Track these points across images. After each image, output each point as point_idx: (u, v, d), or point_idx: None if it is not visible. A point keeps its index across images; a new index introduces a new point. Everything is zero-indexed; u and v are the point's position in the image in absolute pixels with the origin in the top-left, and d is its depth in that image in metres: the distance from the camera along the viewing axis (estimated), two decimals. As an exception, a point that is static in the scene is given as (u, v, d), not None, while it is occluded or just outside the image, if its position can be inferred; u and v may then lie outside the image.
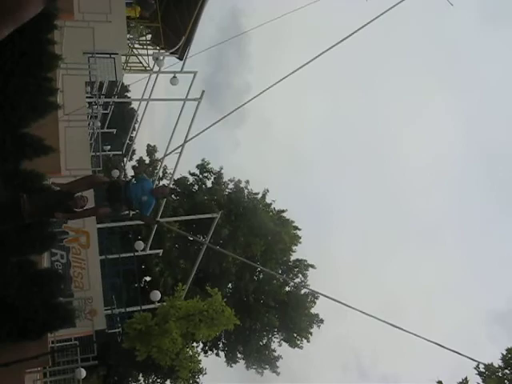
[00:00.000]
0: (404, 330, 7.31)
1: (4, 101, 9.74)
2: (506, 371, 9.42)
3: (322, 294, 8.87)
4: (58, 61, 11.07)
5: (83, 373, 15.97)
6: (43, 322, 10.23)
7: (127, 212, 8.49)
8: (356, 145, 58.39)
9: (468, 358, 7.53)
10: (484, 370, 9.78)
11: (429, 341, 7.12)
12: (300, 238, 29.87)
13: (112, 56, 16.04)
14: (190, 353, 10.52)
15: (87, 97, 15.57)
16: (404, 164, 56.62)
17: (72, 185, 7.93)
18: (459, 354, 7.32)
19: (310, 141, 60.00)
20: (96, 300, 14.50)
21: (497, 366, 9.67)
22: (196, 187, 30.89)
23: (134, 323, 9.57)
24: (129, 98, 29.53)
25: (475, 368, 9.74)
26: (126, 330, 9.62)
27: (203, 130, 8.05)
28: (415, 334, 7.19)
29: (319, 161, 56.98)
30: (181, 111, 17.82)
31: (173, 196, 29.12)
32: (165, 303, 9.79)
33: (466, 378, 9.10)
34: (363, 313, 7.71)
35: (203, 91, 16.65)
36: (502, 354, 9.62)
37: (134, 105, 35.54)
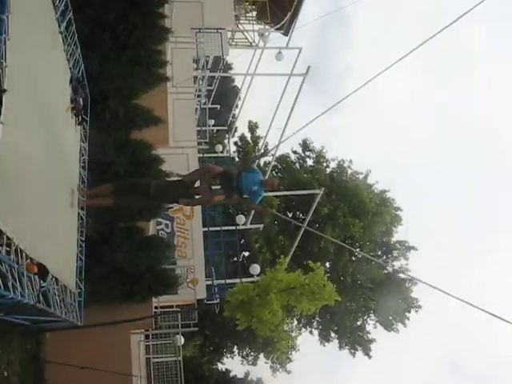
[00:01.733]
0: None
1: (117, 73, 10.10)
2: None
3: (420, 280, 8.52)
4: (167, 34, 11.28)
5: (182, 340, 16.67)
6: (148, 287, 10.64)
7: (238, 200, 8.86)
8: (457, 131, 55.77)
9: None
10: None
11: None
12: (401, 219, 29.05)
13: (219, 31, 16.19)
14: (289, 327, 10.48)
15: (194, 70, 15.85)
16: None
17: (190, 175, 8.61)
18: None
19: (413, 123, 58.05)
20: (198, 270, 14.94)
21: None
22: (298, 165, 30.80)
23: (237, 292, 9.69)
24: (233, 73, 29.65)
25: None
26: (228, 298, 9.75)
27: (315, 118, 7.91)
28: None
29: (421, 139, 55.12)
30: (285, 87, 17.74)
31: (274, 172, 29.21)
32: (266, 274, 9.84)
33: None
34: (467, 303, 7.22)
35: (309, 66, 16.43)
36: None
37: (237, 82, 36.08)
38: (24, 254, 4.86)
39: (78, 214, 8.28)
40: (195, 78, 15.92)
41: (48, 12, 6.88)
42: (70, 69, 8.29)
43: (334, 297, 9.74)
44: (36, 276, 5.25)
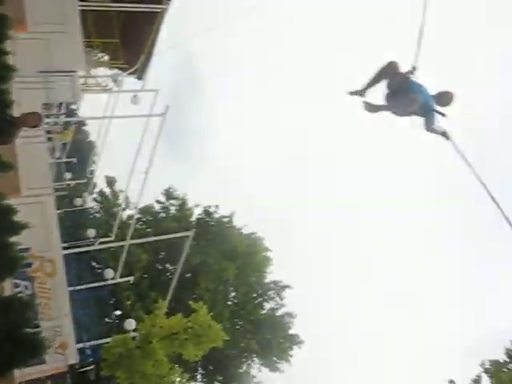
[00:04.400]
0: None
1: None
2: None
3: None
4: (12, 72, 10.30)
5: (55, 415, 14.82)
6: (8, 357, 9.22)
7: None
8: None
9: None
10: (490, 367, 9.29)
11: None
12: (272, 259, 29.34)
13: (70, 74, 15.29)
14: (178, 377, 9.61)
15: (45, 115, 14.75)
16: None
17: None
18: None
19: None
20: (65, 332, 13.46)
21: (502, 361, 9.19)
22: (163, 215, 30.07)
23: (113, 347, 8.69)
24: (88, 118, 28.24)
25: (481, 366, 9.28)
26: (105, 356, 8.70)
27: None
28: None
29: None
30: (144, 130, 17.07)
31: (139, 225, 28.19)
32: (145, 322, 8.95)
33: (479, 376, 8.59)
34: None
35: (168, 106, 15.93)
36: (506, 349, 9.12)
37: (94, 136, 34.85)
38: None
39: None
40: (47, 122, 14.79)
41: None
42: None
43: (221, 336, 9.16)
44: None
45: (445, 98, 7.20)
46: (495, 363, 9.16)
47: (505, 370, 9.26)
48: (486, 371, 9.40)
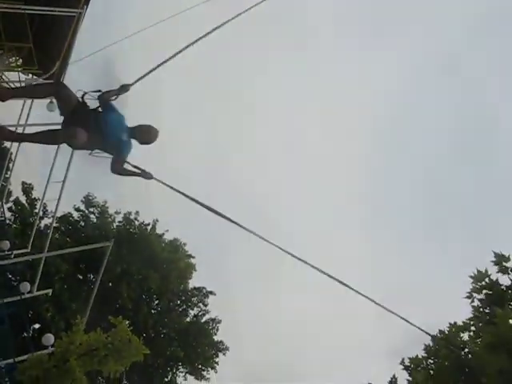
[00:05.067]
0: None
1: None
2: (430, 361, 9.26)
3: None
4: None
5: None
6: None
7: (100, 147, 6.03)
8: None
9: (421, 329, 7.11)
10: (409, 364, 9.59)
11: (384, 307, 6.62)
12: (195, 265, 29.22)
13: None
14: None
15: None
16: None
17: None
18: (409, 322, 6.87)
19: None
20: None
21: (420, 356, 9.49)
22: (82, 223, 29.28)
23: (28, 368, 8.36)
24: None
25: (401, 363, 9.57)
26: (19, 377, 8.35)
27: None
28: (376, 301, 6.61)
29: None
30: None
31: (57, 235, 27.32)
32: (63, 339, 8.68)
33: (394, 376, 8.84)
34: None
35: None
36: (425, 345, 9.44)
37: (7, 143, 33.41)
38: None
39: None
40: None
41: None
42: None
43: (142, 351, 9.04)
44: None
45: (147, 135, 6.41)
46: (414, 360, 9.45)
47: (422, 365, 9.59)
48: (406, 368, 9.70)
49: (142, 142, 6.32)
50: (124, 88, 6.14)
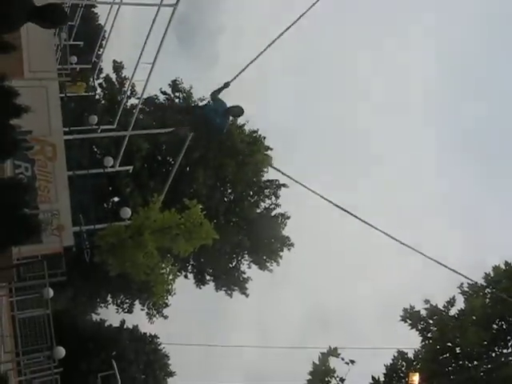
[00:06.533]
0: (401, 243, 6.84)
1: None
2: (488, 290, 9.21)
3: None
4: None
5: (51, 292, 15.46)
6: (6, 235, 9.53)
7: None
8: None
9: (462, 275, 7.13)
10: (468, 290, 9.57)
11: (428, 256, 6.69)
12: (272, 158, 29.19)
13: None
14: (165, 269, 10.00)
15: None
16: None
17: None
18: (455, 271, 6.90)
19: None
20: (63, 215, 13.81)
21: (479, 285, 9.46)
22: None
23: (107, 235, 8.97)
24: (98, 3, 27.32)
25: (459, 287, 9.56)
26: (98, 242, 8.99)
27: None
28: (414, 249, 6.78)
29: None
30: (154, 19, 16.57)
31: (141, 115, 28.01)
32: (139, 214, 9.18)
33: (453, 297, 8.90)
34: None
35: (179, -5, 15.37)
36: (485, 273, 9.37)
37: (102, 20, 33.77)
38: None
39: None
40: None
41: None
42: None
43: (211, 235, 9.42)
44: None
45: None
46: (473, 287, 9.46)
47: (480, 293, 9.60)
48: (463, 293, 9.74)
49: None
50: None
